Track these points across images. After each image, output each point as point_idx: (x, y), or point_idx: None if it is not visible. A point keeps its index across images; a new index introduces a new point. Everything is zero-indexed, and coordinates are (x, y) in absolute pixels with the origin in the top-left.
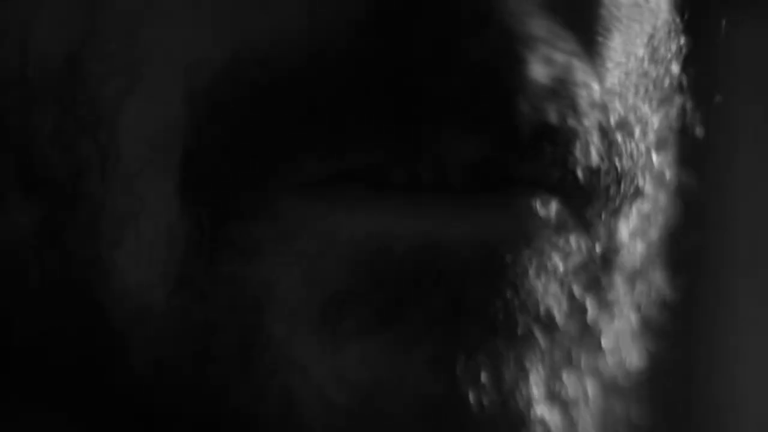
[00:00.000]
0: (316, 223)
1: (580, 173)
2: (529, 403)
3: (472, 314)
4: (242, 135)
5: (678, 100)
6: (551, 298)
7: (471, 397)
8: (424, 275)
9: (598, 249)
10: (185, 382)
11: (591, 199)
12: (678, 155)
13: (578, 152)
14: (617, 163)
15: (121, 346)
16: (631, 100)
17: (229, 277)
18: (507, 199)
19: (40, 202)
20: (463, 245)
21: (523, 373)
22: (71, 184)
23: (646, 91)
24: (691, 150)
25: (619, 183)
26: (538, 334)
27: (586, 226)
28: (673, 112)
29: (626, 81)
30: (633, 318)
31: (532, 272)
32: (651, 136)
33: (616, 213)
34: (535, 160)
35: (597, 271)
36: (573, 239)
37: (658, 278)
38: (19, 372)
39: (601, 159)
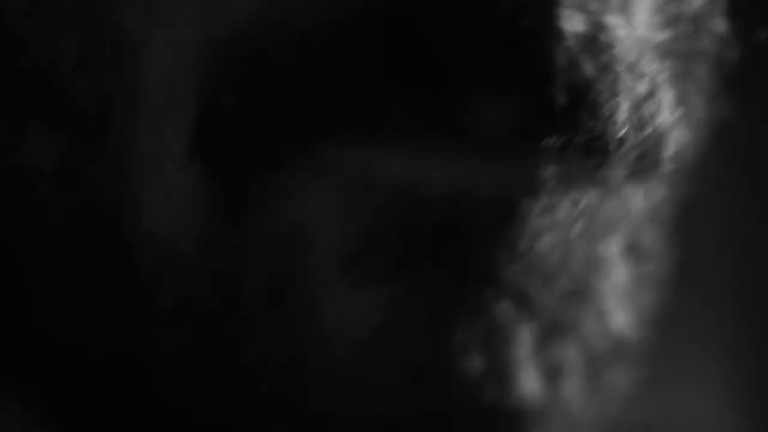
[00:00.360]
0: (350, 161)
1: (608, 139)
2: (515, 370)
3: (478, 274)
4: (258, 106)
5: (712, 27)
6: (559, 263)
7: (458, 360)
8: (444, 227)
9: (610, 212)
10: (209, 328)
11: (613, 162)
12: (716, 89)
13: (609, 116)
14: (647, 130)
15: (147, 288)
16: (658, 44)
17: (257, 231)
18: (534, 156)
19: (65, 135)
20: (485, 201)
21: (514, 340)
22: (99, 118)
23: (674, 25)
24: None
25: (646, 151)
26: (537, 301)
27: (604, 190)
28: (706, 43)
29: (655, 25)
30: (633, 282)
31: (546, 235)
32: (676, 77)
33: (637, 180)
34: (567, 128)
35: (605, 234)
36: (587, 200)
37: (663, 238)
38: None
39: (632, 125)
